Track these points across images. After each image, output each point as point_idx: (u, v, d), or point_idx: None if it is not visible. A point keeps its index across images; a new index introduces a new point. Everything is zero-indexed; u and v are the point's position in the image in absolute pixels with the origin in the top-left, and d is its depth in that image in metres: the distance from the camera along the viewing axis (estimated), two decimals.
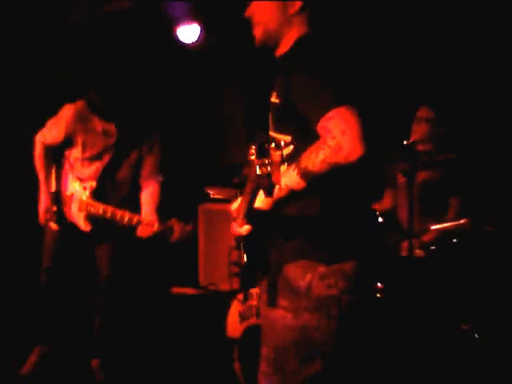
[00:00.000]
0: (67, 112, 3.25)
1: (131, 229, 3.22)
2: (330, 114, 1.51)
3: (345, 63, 1.69)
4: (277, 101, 1.72)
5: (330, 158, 1.49)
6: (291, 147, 1.63)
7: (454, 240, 2.97)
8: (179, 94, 4.73)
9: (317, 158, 1.51)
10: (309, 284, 1.58)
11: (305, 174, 1.53)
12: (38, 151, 3.33)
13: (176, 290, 4.96)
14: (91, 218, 3.23)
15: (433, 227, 3.04)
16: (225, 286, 4.86)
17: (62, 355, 3.44)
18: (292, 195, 1.58)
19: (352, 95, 1.58)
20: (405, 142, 2.98)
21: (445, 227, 3.02)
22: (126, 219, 3.15)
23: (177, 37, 4.35)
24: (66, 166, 3.36)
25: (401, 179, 3.31)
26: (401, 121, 3.39)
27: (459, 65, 3.82)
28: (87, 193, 3.24)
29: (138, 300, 4.38)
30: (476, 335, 2.82)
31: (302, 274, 1.60)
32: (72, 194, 3.30)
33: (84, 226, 3.23)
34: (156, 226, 3.16)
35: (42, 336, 3.40)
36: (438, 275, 2.99)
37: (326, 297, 1.57)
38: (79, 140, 3.23)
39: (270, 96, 1.80)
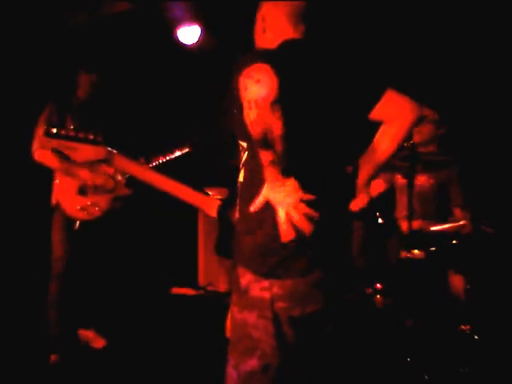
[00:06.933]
0: None
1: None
2: None
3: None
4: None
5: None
6: (246, 153, 1.65)
7: (454, 241, 2.98)
8: (179, 94, 4.74)
9: None
10: (247, 283, 1.61)
11: None
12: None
13: (175, 290, 4.98)
14: None
15: (433, 228, 3.06)
16: (224, 287, 4.87)
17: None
18: None
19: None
20: (405, 144, 2.99)
21: (444, 228, 3.03)
22: None
23: (177, 38, 4.36)
24: None
25: (401, 180, 3.32)
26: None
27: (458, 66, 3.84)
28: None
29: (137, 300, 4.40)
30: (475, 336, 2.83)
31: (243, 273, 1.64)
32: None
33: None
34: None
35: (55, 345, 3.38)
36: (437, 276, 3.01)
37: (259, 298, 1.59)
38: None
39: None
